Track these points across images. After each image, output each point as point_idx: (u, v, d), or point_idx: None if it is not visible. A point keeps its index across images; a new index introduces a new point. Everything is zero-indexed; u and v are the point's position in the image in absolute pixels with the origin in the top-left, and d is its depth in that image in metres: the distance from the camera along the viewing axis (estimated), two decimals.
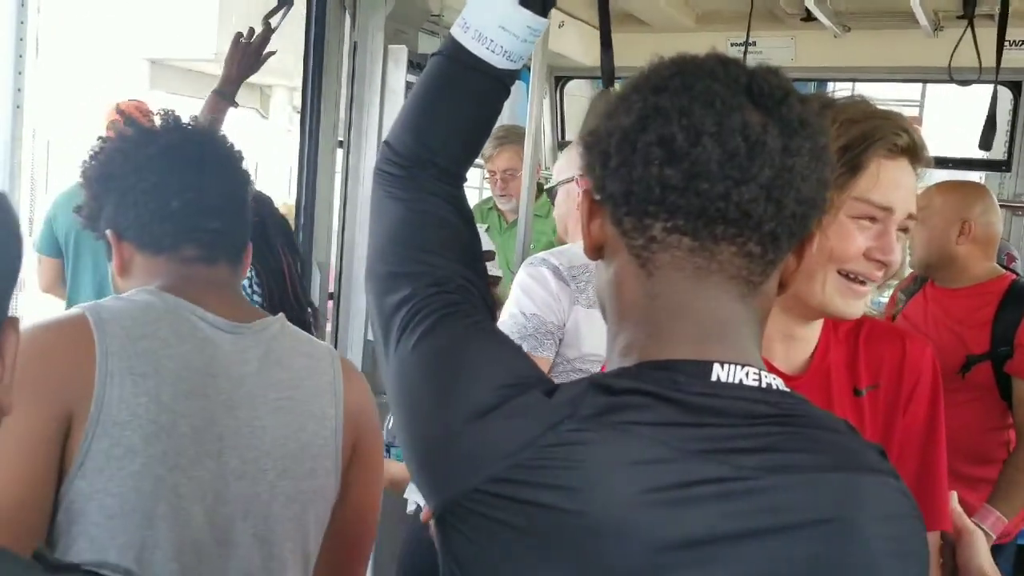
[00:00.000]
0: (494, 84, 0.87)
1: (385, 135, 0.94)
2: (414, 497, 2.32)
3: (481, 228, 3.20)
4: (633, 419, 0.65)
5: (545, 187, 1.90)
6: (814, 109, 0.72)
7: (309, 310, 1.73)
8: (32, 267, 3.29)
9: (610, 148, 0.71)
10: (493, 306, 0.84)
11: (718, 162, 0.67)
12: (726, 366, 0.69)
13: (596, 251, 0.77)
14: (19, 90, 3.70)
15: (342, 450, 1.16)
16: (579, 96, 3.91)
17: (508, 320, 1.71)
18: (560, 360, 1.73)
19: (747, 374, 0.69)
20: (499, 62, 0.86)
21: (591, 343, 1.69)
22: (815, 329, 1.09)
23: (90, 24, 6.81)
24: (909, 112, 11.98)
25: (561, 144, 3.84)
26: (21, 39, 3.56)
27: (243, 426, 1.07)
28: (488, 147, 3.03)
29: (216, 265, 1.15)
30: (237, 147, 1.23)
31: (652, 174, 0.68)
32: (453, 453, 0.68)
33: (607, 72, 1.78)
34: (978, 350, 2.19)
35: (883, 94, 12.59)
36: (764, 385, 0.70)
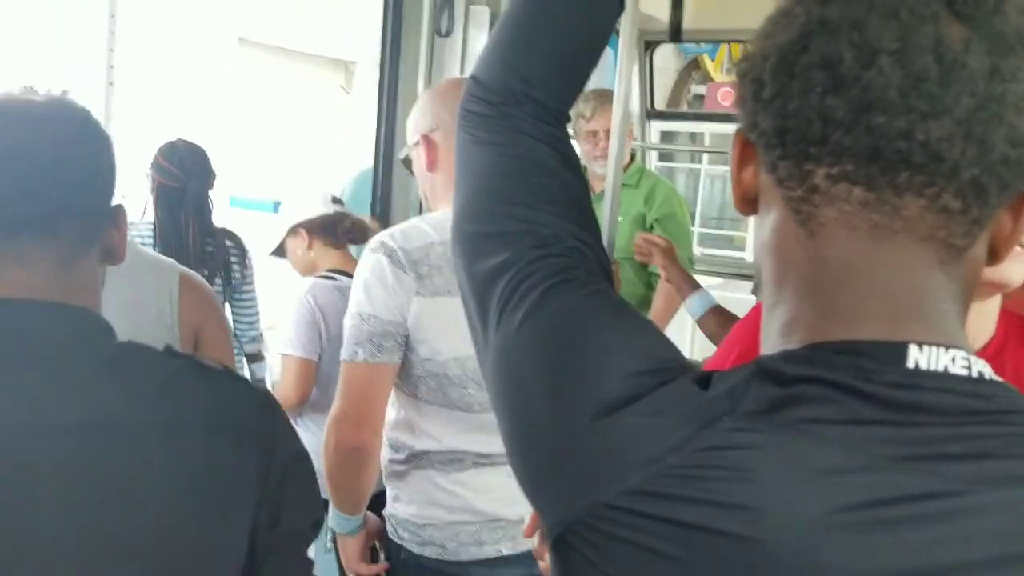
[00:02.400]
0: None
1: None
2: None
3: None
4: (813, 416, 0.52)
5: (400, 157, 1.74)
6: None
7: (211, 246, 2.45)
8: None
9: (764, 75, 0.56)
10: (612, 272, 0.70)
11: (899, 89, 0.51)
12: (926, 348, 0.54)
13: (748, 204, 0.62)
14: (111, 67, 3.75)
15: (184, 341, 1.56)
16: (663, 68, 3.73)
17: (347, 323, 1.50)
18: (415, 361, 1.49)
19: (953, 359, 0.54)
20: None
21: (441, 339, 1.48)
22: (985, 316, 0.92)
23: (181, 4, 6.95)
24: None
25: (650, 113, 3.67)
26: (112, 16, 3.60)
27: None
28: (587, 107, 2.87)
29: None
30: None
31: (811, 105, 0.54)
32: (577, 459, 0.55)
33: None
34: None
35: None
36: (975, 374, 0.55)
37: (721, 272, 4.38)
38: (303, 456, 0.91)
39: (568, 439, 0.56)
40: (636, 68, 3.17)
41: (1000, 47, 0.52)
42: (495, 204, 0.69)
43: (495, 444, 1.47)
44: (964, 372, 0.55)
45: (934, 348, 0.54)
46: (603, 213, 2.51)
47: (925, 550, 0.50)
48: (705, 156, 12.46)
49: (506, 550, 1.55)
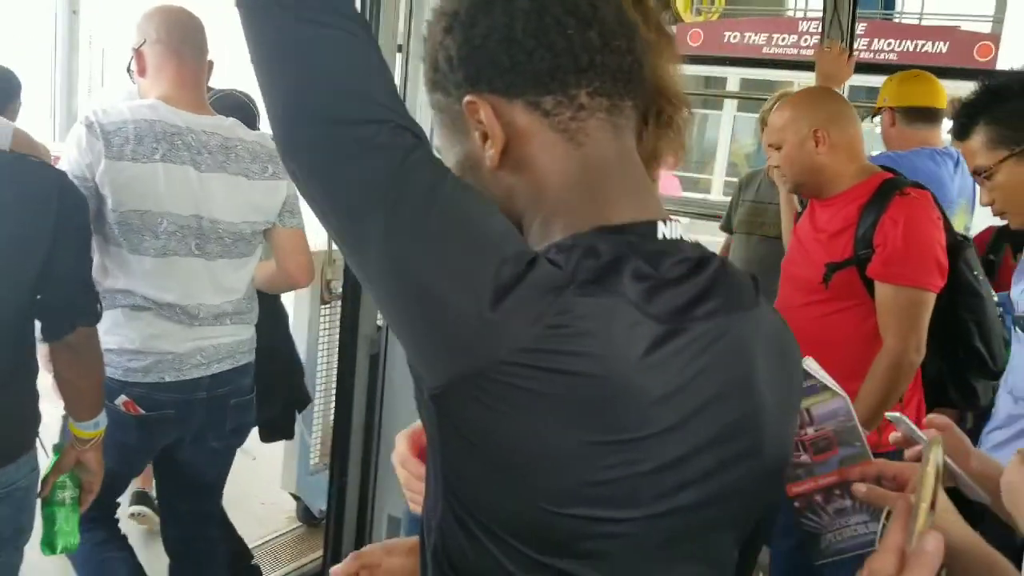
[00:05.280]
0: None
1: None
2: None
3: None
4: (619, 284, 0.68)
5: (126, 69, 2.03)
6: None
7: None
8: None
9: (514, 36, 0.72)
10: None
11: (617, 20, 0.74)
12: (667, 223, 0.74)
13: (503, 155, 0.75)
14: None
15: None
16: None
17: None
18: (104, 211, 1.86)
19: (677, 226, 0.75)
20: None
21: (124, 193, 1.84)
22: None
23: None
24: (980, 28, 11.40)
25: None
26: None
27: None
28: None
29: None
30: None
31: (576, 43, 0.72)
32: (480, 328, 0.66)
33: None
34: (840, 257, 2.08)
35: (952, 7, 11.98)
36: (687, 237, 0.75)
37: (686, 212, 4.48)
38: (82, 200, 1.66)
39: (471, 316, 0.66)
40: None
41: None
42: (355, 87, 0.71)
43: (173, 296, 1.91)
44: (682, 236, 0.75)
45: (670, 222, 0.74)
46: None
47: (682, 371, 0.70)
48: None
49: (169, 378, 1.94)
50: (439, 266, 0.67)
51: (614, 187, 0.75)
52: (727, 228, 3.15)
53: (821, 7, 3.44)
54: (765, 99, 3.07)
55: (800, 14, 12.95)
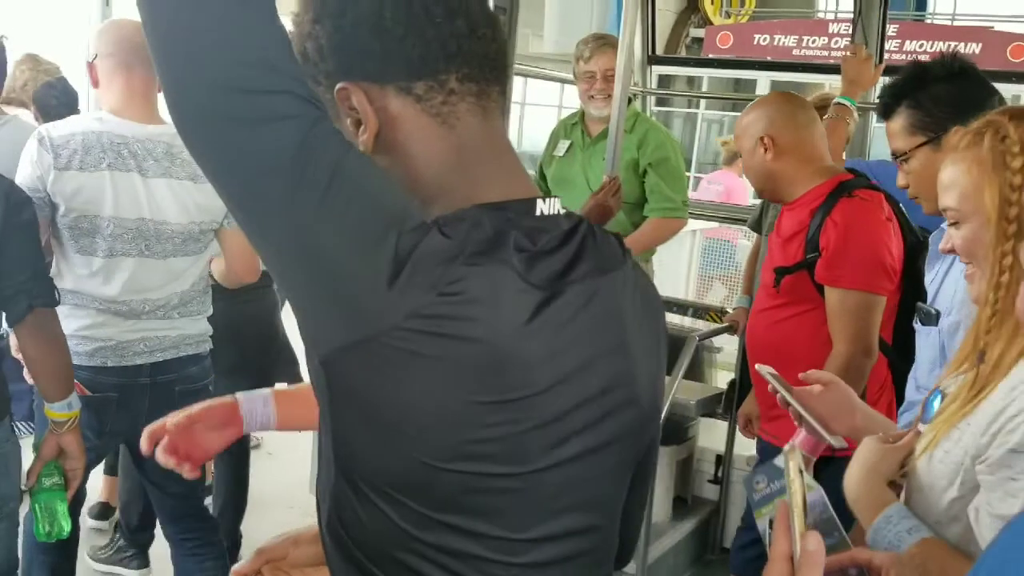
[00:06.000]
0: None
1: None
2: None
3: (563, 144, 3.13)
4: (504, 254, 0.72)
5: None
6: None
7: None
8: None
9: (384, 24, 0.75)
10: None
11: (481, 13, 0.79)
12: (547, 200, 0.79)
13: (376, 140, 0.78)
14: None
15: None
16: (661, 10, 3.75)
17: None
18: (56, 217, 2.00)
19: (557, 202, 0.79)
20: None
21: (73, 200, 1.98)
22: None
23: None
24: (1013, 28, 11.20)
25: (651, 58, 3.70)
26: None
27: None
28: (586, 48, 2.94)
29: None
30: None
31: (445, 31, 0.76)
32: (377, 297, 0.68)
33: None
34: (792, 261, 2.06)
35: (985, 8, 11.80)
36: (564, 211, 0.80)
37: (716, 216, 4.45)
38: (27, 199, 1.80)
39: (370, 286, 0.69)
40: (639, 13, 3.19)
41: None
42: (259, 50, 0.69)
43: (118, 292, 2.05)
44: (559, 210, 0.79)
45: (550, 199, 0.79)
46: (607, 156, 2.56)
47: (559, 333, 0.74)
48: (702, 101, 12.41)
49: (111, 363, 2.10)
50: (341, 238, 0.69)
51: (487, 168, 0.79)
52: (756, 228, 3.12)
53: (852, 8, 3.40)
54: None
55: (831, 15, 12.83)
